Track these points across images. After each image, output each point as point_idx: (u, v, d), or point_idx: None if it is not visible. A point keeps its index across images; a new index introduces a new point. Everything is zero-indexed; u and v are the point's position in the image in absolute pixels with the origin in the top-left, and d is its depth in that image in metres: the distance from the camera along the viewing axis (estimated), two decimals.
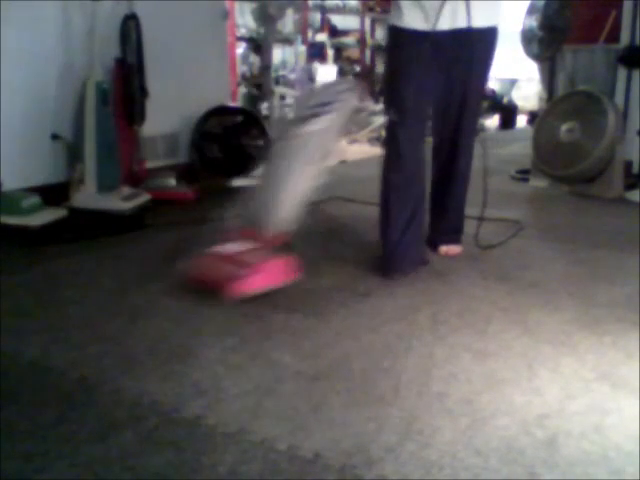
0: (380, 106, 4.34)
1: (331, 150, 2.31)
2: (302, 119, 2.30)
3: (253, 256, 2.09)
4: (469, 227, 2.65)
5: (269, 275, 2.07)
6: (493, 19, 2.33)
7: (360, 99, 2.37)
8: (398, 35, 2.34)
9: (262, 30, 4.37)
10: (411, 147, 2.34)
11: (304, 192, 2.20)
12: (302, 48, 6.58)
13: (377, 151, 5.76)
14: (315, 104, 2.32)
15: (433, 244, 2.59)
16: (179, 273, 2.14)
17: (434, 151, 2.56)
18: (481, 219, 2.60)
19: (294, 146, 2.27)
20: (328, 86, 2.72)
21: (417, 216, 2.35)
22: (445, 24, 2.24)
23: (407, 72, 2.32)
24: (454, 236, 2.59)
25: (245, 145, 4.13)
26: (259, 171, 2.90)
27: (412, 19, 2.26)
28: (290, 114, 2.47)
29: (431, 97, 2.40)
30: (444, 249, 2.56)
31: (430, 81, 2.33)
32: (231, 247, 2.16)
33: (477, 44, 2.31)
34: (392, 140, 2.36)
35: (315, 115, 2.26)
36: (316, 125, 2.24)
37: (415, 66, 2.29)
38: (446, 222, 2.59)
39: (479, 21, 2.26)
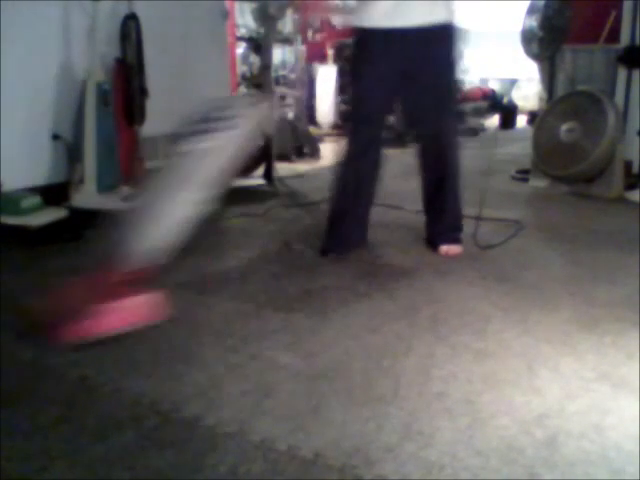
0: None
1: (219, 175, 1.94)
2: (190, 134, 1.97)
3: (108, 292, 1.73)
4: (468, 227, 2.66)
5: (122, 315, 1.73)
6: (448, 15, 2.39)
7: (263, 119, 2.14)
8: (358, 34, 2.46)
9: (262, 30, 4.37)
10: (364, 144, 2.47)
11: (180, 220, 1.86)
12: (302, 48, 6.58)
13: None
14: (207, 119, 1.98)
15: (433, 244, 2.61)
16: (21, 312, 1.81)
17: (419, 153, 2.59)
18: (479, 219, 2.60)
19: (175, 166, 1.97)
20: (227, 100, 2.53)
21: (358, 204, 2.55)
22: (399, 22, 2.33)
23: (363, 70, 2.46)
24: (453, 235, 2.60)
25: None
26: (138, 193, 2.52)
27: (369, 18, 2.38)
28: (177, 127, 2.00)
29: (390, 95, 2.51)
30: (444, 249, 2.56)
31: (388, 80, 2.42)
32: (86, 281, 1.80)
33: (435, 41, 2.38)
34: (349, 135, 2.52)
35: (205, 132, 1.94)
36: (205, 144, 1.93)
37: (370, 64, 2.42)
38: (443, 222, 2.61)
39: (432, 18, 2.34)
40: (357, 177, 2.50)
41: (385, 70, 2.40)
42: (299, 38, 6.55)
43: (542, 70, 4.64)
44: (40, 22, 3.09)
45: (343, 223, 2.55)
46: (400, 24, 2.34)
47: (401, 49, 2.36)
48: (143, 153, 3.58)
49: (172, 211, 1.87)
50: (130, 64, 3.36)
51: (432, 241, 2.61)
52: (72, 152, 3.20)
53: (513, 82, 9.93)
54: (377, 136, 2.53)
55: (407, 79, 2.43)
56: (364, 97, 2.47)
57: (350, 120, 2.57)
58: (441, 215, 2.61)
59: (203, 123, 1.97)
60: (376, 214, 3.25)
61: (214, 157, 1.94)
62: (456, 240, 2.59)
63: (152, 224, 1.86)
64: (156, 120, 3.59)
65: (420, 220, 2.78)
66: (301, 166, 4.79)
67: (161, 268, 1.82)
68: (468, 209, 2.61)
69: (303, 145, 5.33)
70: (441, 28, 2.38)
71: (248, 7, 6.00)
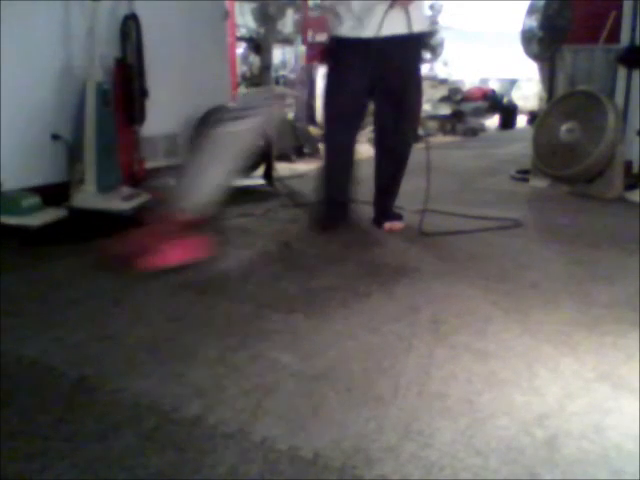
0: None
1: (247, 150, 2.57)
2: (229, 119, 2.53)
3: (169, 234, 2.28)
4: (467, 225, 2.65)
5: (182, 251, 2.28)
6: (417, 26, 2.70)
7: (281, 107, 2.70)
8: (336, 44, 2.80)
9: (262, 30, 4.37)
10: (344, 137, 2.90)
11: (219, 183, 2.44)
12: (302, 48, 6.58)
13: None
14: (242, 107, 2.60)
15: (378, 222, 3.01)
16: (100, 249, 2.39)
17: (377, 152, 3.01)
18: (424, 211, 2.93)
19: (217, 141, 2.46)
20: (256, 93, 3.04)
21: (342, 187, 2.96)
22: (372, 32, 2.63)
23: (341, 77, 2.82)
24: (396, 213, 3.02)
25: None
26: (186, 156, 3.17)
27: (346, 28, 2.70)
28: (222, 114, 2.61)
29: (364, 97, 2.86)
30: (388, 225, 2.98)
31: (361, 84, 2.77)
32: (151, 226, 2.38)
33: (402, 49, 2.71)
34: (328, 132, 2.96)
35: (240, 117, 2.51)
36: (239, 126, 2.49)
37: (347, 71, 2.76)
38: (388, 203, 3.03)
39: (400, 29, 2.65)
40: (338, 168, 2.94)
41: (356, 74, 2.75)
42: (299, 38, 6.55)
43: (542, 70, 4.64)
44: (40, 22, 3.09)
45: (329, 202, 2.97)
46: (367, 34, 2.65)
47: (369, 57, 2.67)
48: (143, 153, 3.59)
49: (211, 177, 2.43)
50: (130, 64, 3.37)
51: (379, 220, 3.02)
52: (72, 152, 3.20)
53: (513, 82, 9.94)
54: (351, 133, 2.92)
55: (375, 84, 2.79)
56: (337, 100, 2.84)
57: (326, 121, 2.98)
58: (388, 200, 3.02)
59: (234, 112, 2.57)
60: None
61: (242, 138, 2.51)
62: (398, 217, 3.01)
63: (198, 186, 2.41)
64: (156, 120, 3.60)
65: (428, 228, 2.82)
66: (301, 166, 4.79)
67: (204, 219, 2.38)
68: (468, 209, 2.62)
69: (303, 145, 5.33)
70: (408, 37, 2.69)
71: (248, 7, 6.00)
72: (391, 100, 2.82)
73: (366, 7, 2.67)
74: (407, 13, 2.64)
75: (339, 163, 2.95)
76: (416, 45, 2.83)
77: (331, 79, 2.89)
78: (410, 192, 3.13)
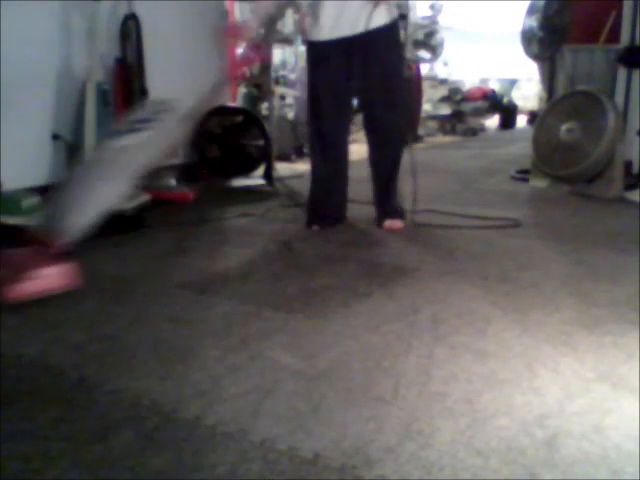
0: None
1: (139, 170, 2.20)
2: (120, 132, 2.30)
3: (32, 261, 2.04)
4: (466, 224, 2.65)
5: (43, 281, 2.01)
6: (387, 17, 2.74)
7: (181, 122, 2.34)
8: (311, 48, 2.89)
9: (262, 30, 4.37)
10: (333, 137, 2.92)
11: (100, 206, 2.13)
12: (302, 48, 6.57)
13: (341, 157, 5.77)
14: (135, 119, 2.32)
15: (380, 222, 3.01)
16: None
17: (371, 150, 3.00)
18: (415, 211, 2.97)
19: (105, 157, 2.28)
20: (153, 104, 2.81)
21: (335, 183, 2.98)
22: (346, 31, 2.70)
23: (316, 78, 2.87)
24: (396, 214, 3.01)
25: (245, 145, 4.14)
26: (69, 173, 2.85)
27: (316, 32, 2.77)
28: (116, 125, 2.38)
29: (343, 97, 2.90)
30: (388, 223, 2.98)
31: (339, 84, 2.82)
32: (15, 251, 2.15)
33: (375, 42, 2.73)
34: (313, 130, 2.96)
35: (132, 130, 2.25)
36: (130, 140, 2.22)
37: (325, 71, 2.81)
38: (389, 204, 3.01)
39: (372, 23, 2.67)
40: (333, 161, 2.96)
41: (335, 76, 2.80)
42: (299, 38, 6.54)
43: (542, 70, 4.64)
44: (40, 22, 3.09)
45: (323, 202, 2.99)
46: (343, 34, 2.71)
47: (347, 56, 2.75)
48: None
49: (94, 198, 2.13)
50: (130, 64, 3.37)
51: (380, 219, 3.01)
52: (72, 152, 3.20)
53: (513, 82, 9.94)
54: (340, 133, 2.96)
55: (357, 81, 2.84)
56: (322, 99, 2.85)
57: (312, 119, 2.96)
58: (387, 199, 3.01)
59: (131, 124, 2.30)
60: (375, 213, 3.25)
61: (136, 153, 2.20)
62: (399, 217, 3.00)
63: (76, 207, 2.14)
64: None
65: (421, 219, 2.81)
66: (301, 166, 4.78)
67: (74, 244, 2.09)
68: (469, 208, 2.62)
69: (303, 145, 5.33)
70: (382, 30, 2.72)
71: (248, 7, 5.99)
72: (374, 94, 2.85)
73: (340, 6, 2.70)
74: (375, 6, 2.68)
75: (329, 164, 2.96)
76: (390, 34, 2.81)
77: (312, 82, 2.93)
78: (409, 192, 3.13)
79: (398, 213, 3.02)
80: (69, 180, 2.38)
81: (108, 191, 2.15)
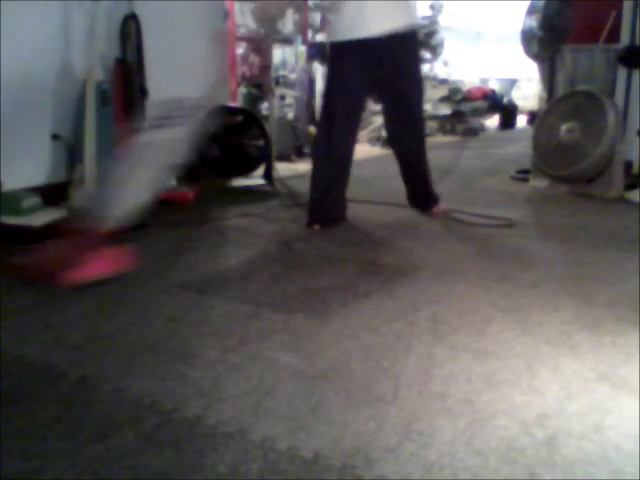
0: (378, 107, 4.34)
1: (175, 161, 2.48)
2: (156, 125, 2.49)
3: (87, 247, 2.18)
4: (469, 222, 2.64)
5: (101, 264, 2.19)
6: (409, 20, 2.82)
7: (211, 117, 2.58)
8: (336, 48, 2.88)
9: (262, 30, 4.37)
10: (344, 138, 2.96)
11: (142, 193, 2.32)
12: (302, 48, 6.57)
13: (378, 151, 5.77)
14: (170, 114, 2.49)
15: (425, 208, 3.22)
16: (15, 266, 2.24)
17: (398, 153, 3.14)
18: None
19: (143, 148, 2.40)
20: (185, 100, 3.01)
21: (336, 184, 3.00)
22: (364, 33, 2.72)
23: (336, 78, 2.90)
24: (436, 200, 3.23)
25: (245, 145, 4.14)
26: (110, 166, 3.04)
27: (336, 32, 2.81)
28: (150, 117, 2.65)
29: (361, 96, 2.99)
30: (436, 209, 3.19)
31: (358, 84, 2.86)
32: (67, 240, 2.26)
33: (399, 46, 2.81)
34: (323, 129, 2.99)
35: (168, 124, 2.43)
36: (167, 134, 2.41)
37: (343, 72, 2.85)
38: (426, 189, 3.22)
39: (393, 25, 2.74)
40: (334, 165, 2.98)
41: (356, 76, 2.83)
42: (299, 38, 6.54)
43: (542, 70, 4.64)
44: (40, 22, 3.09)
45: (324, 202, 3.02)
46: (365, 35, 2.73)
47: (369, 57, 2.77)
48: None
49: (137, 185, 2.32)
50: (130, 64, 3.37)
51: (425, 206, 3.22)
52: (72, 152, 3.20)
53: (513, 82, 9.93)
54: (350, 131, 3.00)
55: (378, 84, 2.92)
56: (338, 100, 2.89)
57: (325, 118, 2.99)
58: (425, 187, 3.22)
59: (162, 119, 2.46)
60: (377, 214, 3.27)
61: (169, 146, 2.39)
62: (437, 202, 3.23)
63: (119, 196, 2.30)
64: None
65: (421, 220, 2.83)
66: (301, 166, 4.78)
67: (121, 230, 2.26)
68: (468, 208, 2.61)
69: (303, 145, 5.33)
70: (403, 33, 2.79)
71: (248, 7, 5.99)
72: (397, 94, 2.95)
73: (364, 7, 2.73)
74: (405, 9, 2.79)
75: (334, 165, 2.98)
76: (413, 37, 2.95)
77: (332, 81, 2.95)
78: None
79: (437, 200, 3.24)
80: (111, 171, 2.51)
81: (146, 181, 2.33)
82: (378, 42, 2.74)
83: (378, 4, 2.72)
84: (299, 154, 5.26)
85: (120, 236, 2.25)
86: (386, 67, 2.84)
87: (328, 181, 3.00)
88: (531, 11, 4.27)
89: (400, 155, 3.15)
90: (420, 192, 3.24)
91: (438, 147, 5.86)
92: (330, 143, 2.94)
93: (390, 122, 3.11)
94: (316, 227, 2.98)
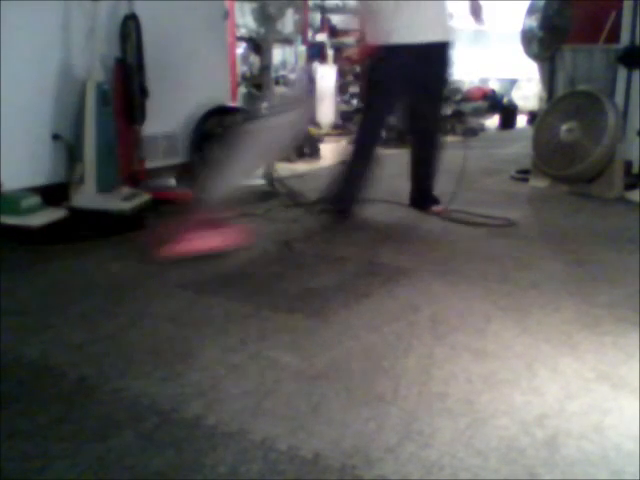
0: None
1: (283, 146, 2.84)
2: (263, 115, 2.83)
3: (209, 223, 2.48)
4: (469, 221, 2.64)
5: (223, 238, 2.50)
6: (447, 35, 3.10)
7: (311, 110, 2.93)
8: (389, 51, 3.01)
9: (262, 30, 4.37)
10: (378, 137, 3.30)
11: (252, 175, 2.77)
12: (302, 48, 6.57)
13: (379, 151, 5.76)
14: (278, 106, 2.80)
15: (424, 207, 3.29)
16: (146, 240, 2.57)
17: (415, 146, 3.34)
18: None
19: (253, 135, 2.64)
20: (290, 93, 3.17)
21: (365, 182, 3.14)
22: (419, 38, 2.97)
23: (384, 73, 3.05)
24: (436, 201, 3.31)
25: None
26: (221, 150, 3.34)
27: (393, 36, 2.98)
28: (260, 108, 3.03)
29: (401, 93, 3.14)
30: (435, 209, 3.25)
31: (401, 82, 3.05)
32: (190, 216, 2.55)
33: (439, 54, 3.10)
34: (368, 124, 3.19)
35: (276, 114, 2.72)
36: (275, 121, 2.69)
37: (390, 70, 3.01)
38: (429, 187, 3.33)
39: (439, 37, 3.04)
40: (365, 160, 3.13)
41: (400, 74, 3.02)
42: (299, 38, 6.54)
43: (542, 70, 4.63)
44: (40, 22, 3.09)
45: (349, 196, 3.16)
46: (419, 40, 2.98)
47: (415, 59, 2.99)
48: (143, 153, 3.58)
49: (240, 173, 2.64)
50: (130, 64, 3.36)
51: (424, 205, 3.30)
52: (72, 152, 3.19)
53: (513, 82, 9.92)
54: (382, 125, 3.37)
55: (414, 83, 3.07)
56: (382, 94, 3.07)
57: (366, 110, 3.28)
58: (429, 187, 3.32)
59: (279, 108, 2.82)
60: (377, 213, 3.27)
61: (274, 134, 2.68)
62: (437, 202, 3.30)
63: (228, 181, 2.59)
64: (156, 120, 3.59)
65: (421, 220, 2.84)
66: (301, 166, 4.78)
67: (229, 211, 2.62)
68: (469, 207, 2.61)
69: (303, 145, 5.33)
70: (444, 45, 3.08)
71: (248, 7, 5.98)
72: (428, 95, 3.19)
73: (420, 14, 2.99)
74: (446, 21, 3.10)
75: (369, 162, 3.12)
76: (450, 49, 3.19)
77: (378, 79, 3.11)
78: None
79: (437, 200, 3.33)
80: (223, 157, 2.79)
81: (251, 165, 2.67)
82: (427, 47, 3.00)
83: (430, 17, 3.02)
84: (299, 154, 5.25)
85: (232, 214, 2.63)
86: (427, 70, 3.06)
87: (361, 176, 3.11)
88: (531, 11, 4.27)
89: (415, 148, 3.33)
90: (423, 191, 3.32)
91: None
92: (373, 139, 3.17)
93: (414, 119, 3.30)
94: (338, 220, 3.09)
